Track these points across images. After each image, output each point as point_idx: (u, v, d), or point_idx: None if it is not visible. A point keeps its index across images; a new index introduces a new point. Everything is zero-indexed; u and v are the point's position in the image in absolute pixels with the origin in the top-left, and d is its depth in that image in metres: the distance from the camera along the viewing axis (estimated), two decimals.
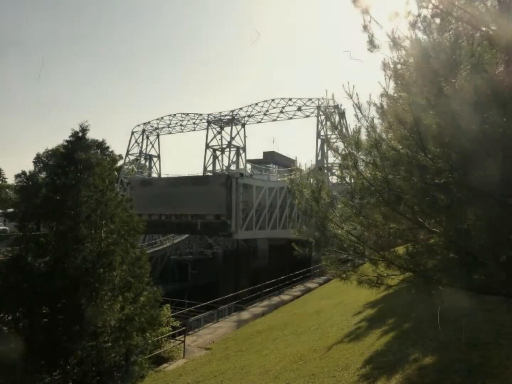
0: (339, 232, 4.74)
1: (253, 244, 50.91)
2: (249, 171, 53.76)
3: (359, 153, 4.92)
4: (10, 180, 68.43)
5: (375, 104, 5.02)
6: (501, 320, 7.50)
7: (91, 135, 14.97)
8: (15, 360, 11.56)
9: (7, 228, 38.85)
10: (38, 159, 59.73)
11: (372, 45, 4.97)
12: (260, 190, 36.55)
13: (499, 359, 5.93)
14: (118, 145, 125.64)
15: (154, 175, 70.02)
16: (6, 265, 13.40)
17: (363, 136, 4.99)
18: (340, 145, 5.37)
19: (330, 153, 54.68)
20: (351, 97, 4.87)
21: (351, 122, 5.20)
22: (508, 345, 6.51)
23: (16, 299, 12.44)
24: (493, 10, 4.03)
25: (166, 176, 54.31)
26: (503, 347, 6.45)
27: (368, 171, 4.33)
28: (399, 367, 6.72)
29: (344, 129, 5.37)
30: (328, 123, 5.58)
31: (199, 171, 57.14)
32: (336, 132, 5.30)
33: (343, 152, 5.13)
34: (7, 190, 62.78)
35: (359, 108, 4.65)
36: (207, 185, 36.13)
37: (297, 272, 33.95)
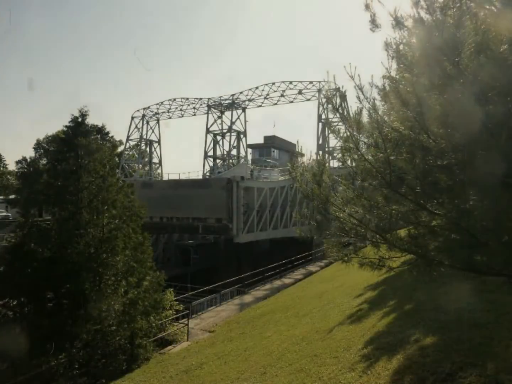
0: (341, 215, 4.74)
1: None
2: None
3: (361, 136, 4.88)
4: (11, 166, 68.43)
5: (377, 86, 4.95)
6: (502, 300, 7.55)
7: (91, 120, 14.93)
8: (21, 344, 11.76)
9: (10, 214, 39.01)
10: (38, 145, 59.59)
11: (374, 24, 4.88)
12: (261, 191, 36.18)
13: (500, 338, 5.99)
14: (118, 132, 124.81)
15: (155, 160, 69.93)
16: (10, 251, 13.53)
17: (365, 119, 4.94)
18: (342, 128, 5.33)
19: (331, 136, 54.38)
20: (353, 79, 4.80)
21: (353, 104, 5.15)
22: (509, 325, 6.57)
23: (20, 284, 12.58)
24: None
25: (167, 177, 54.30)
26: (503, 326, 6.51)
27: (369, 153, 4.30)
28: (400, 348, 6.81)
29: (345, 112, 5.31)
30: (330, 106, 5.52)
31: (200, 157, 57.03)
32: (337, 115, 5.24)
33: (345, 135, 5.09)
34: (8, 176, 62.81)
35: (361, 89, 4.59)
36: (208, 188, 35.69)
37: (298, 256, 34.20)
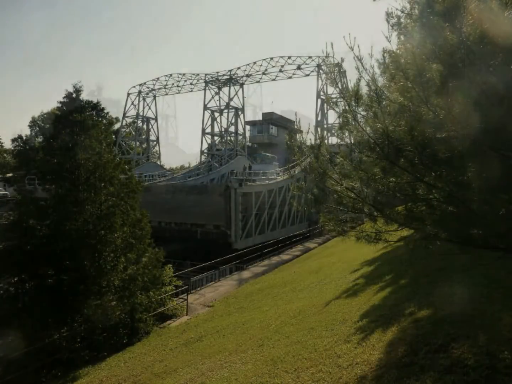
0: (338, 188, 4.71)
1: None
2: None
3: (360, 109, 4.79)
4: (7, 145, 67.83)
5: (377, 60, 4.85)
6: (496, 275, 7.65)
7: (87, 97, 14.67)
8: (24, 318, 11.94)
9: (8, 192, 38.93)
10: (33, 123, 58.83)
11: None
12: (260, 194, 36.08)
13: (492, 311, 6.08)
14: (115, 111, 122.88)
15: (152, 138, 69.41)
16: (9, 228, 13.54)
17: (364, 91, 4.85)
18: (341, 102, 5.24)
19: (330, 112, 53.95)
20: (352, 49, 4.68)
21: (352, 77, 5.05)
22: (502, 299, 6.67)
23: (21, 261, 12.66)
24: None
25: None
26: (496, 300, 6.60)
27: (368, 125, 4.23)
28: (395, 320, 6.91)
29: (344, 86, 5.23)
30: (329, 81, 5.41)
31: (198, 134, 56.95)
32: (337, 90, 5.14)
33: (343, 108, 5.01)
34: (4, 155, 62.36)
35: (360, 60, 4.48)
36: (206, 194, 35.45)
37: (296, 232, 34.49)
